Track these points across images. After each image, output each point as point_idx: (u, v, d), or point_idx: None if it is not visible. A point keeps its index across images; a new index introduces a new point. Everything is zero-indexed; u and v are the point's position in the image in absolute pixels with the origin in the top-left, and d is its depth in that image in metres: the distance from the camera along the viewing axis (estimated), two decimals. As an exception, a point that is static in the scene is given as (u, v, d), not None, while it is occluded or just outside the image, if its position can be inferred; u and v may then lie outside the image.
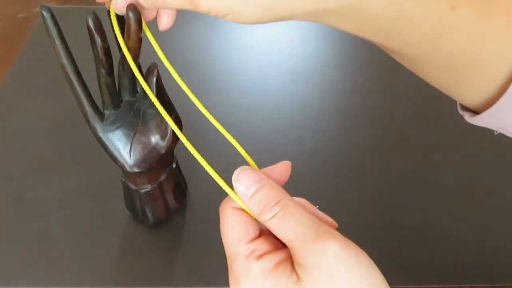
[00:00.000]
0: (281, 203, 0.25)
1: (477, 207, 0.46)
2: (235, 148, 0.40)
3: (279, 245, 0.26)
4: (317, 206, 0.29)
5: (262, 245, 0.25)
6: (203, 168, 0.31)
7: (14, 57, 0.63)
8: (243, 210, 0.27)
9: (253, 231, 0.26)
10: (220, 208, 0.28)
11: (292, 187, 0.49)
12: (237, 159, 0.46)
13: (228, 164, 0.46)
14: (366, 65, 0.62)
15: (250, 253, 0.25)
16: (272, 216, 0.25)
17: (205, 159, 0.45)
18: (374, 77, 0.60)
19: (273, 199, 0.25)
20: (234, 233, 0.26)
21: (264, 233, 0.26)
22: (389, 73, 0.60)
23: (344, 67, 0.62)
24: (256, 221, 0.26)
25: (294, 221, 0.24)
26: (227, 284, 0.41)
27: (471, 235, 0.44)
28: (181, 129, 0.38)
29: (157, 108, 0.36)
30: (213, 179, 0.44)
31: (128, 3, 0.29)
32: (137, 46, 0.31)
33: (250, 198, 0.26)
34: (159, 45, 0.71)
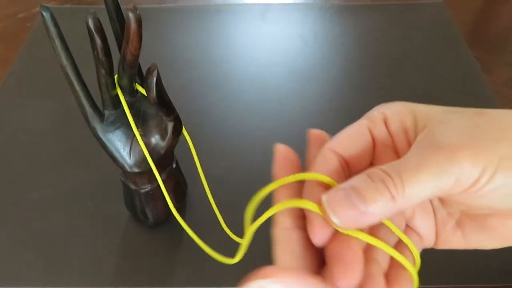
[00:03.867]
0: None
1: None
2: (234, 148, 0.40)
3: None
4: None
5: None
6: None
7: (14, 57, 0.63)
8: None
9: None
10: None
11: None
12: (236, 159, 0.46)
13: (227, 164, 0.46)
14: (366, 65, 0.62)
15: None
16: None
17: (205, 159, 0.46)
18: (374, 77, 0.60)
19: None
20: None
21: None
22: (389, 73, 0.60)
23: (344, 67, 0.62)
24: None
25: None
26: (227, 284, 0.41)
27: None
28: (180, 129, 0.38)
29: (157, 108, 0.36)
30: (213, 179, 0.44)
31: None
32: (137, 46, 0.31)
33: None
34: (159, 44, 0.71)
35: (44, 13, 0.30)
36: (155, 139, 0.37)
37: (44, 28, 0.31)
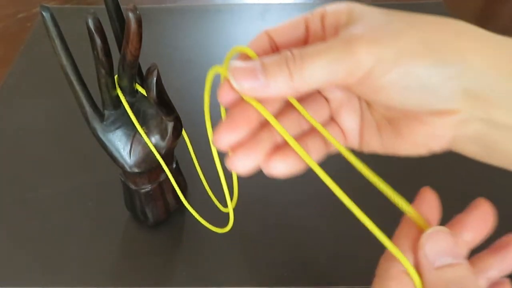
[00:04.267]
0: None
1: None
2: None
3: None
4: None
5: None
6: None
7: (14, 57, 0.63)
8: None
9: None
10: (383, 264, 0.23)
11: (293, 187, 0.49)
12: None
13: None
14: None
15: None
16: None
17: (205, 159, 0.45)
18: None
19: None
20: None
21: None
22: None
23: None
24: None
25: None
26: (227, 284, 0.41)
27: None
28: (181, 129, 0.38)
29: (157, 108, 0.36)
30: (212, 179, 0.44)
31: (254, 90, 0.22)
32: (137, 46, 0.32)
33: (436, 269, 0.21)
34: (159, 44, 0.70)
35: (44, 13, 0.30)
36: (155, 139, 0.37)
37: (44, 28, 0.31)
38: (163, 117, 0.37)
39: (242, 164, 0.23)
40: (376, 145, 0.26)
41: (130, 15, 0.30)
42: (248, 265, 0.42)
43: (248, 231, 0.45)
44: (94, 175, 0.49)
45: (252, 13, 0.70)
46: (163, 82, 0.35)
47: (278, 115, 0.25)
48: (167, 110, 0.36)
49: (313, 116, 0.25)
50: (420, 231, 0.22)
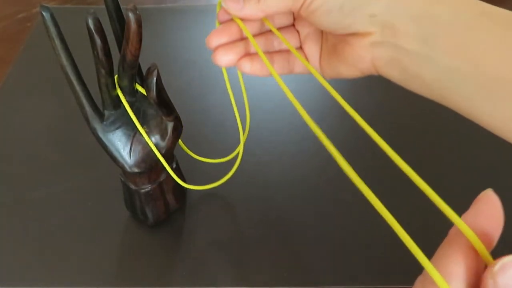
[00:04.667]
0: None
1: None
2: (234, 148, 0.40)
3: None
4: None
5: None
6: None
7: (14, 57, 0.63)
8: None
9: None
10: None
11: (293, 187, 0.49)
12: (236, 159, 0.46)
13: (227, 163, 0.46)
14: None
15: None
16: None
17: (205, 158, 0.46)
18: (375, 75, 0.60)
19: None
20: None
21: None
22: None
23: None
24: None
25: None
26: (227, 284, 0.41)
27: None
28: (181, 129, 0.39)
29: (157, 108, 0.36)
30: (212, 178, 0.45)
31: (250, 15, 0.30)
32: (137, 46, 0.32)
33: None
34: (159, 44, 0.70)
35: (44, 13, 0.30)
36: (155, 139, 0.37)
37: (44, 28, 0.31)
38: (163, 117, 0.37)
39: (221, 59, 0.32)
40: (329, 69, 0.33)
41: (130, 15, 0.30)
42: (248, 265, 0.42)
43: (248, 231, 0.45)
44: (94, 175, 0.49)
45: (252, 13, 0.70)
46: (163, 82, 0.35)
47: (258, 35, 0.34)
48: (167, 110, 0.36)
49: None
50: (473, 248, 0.19)
